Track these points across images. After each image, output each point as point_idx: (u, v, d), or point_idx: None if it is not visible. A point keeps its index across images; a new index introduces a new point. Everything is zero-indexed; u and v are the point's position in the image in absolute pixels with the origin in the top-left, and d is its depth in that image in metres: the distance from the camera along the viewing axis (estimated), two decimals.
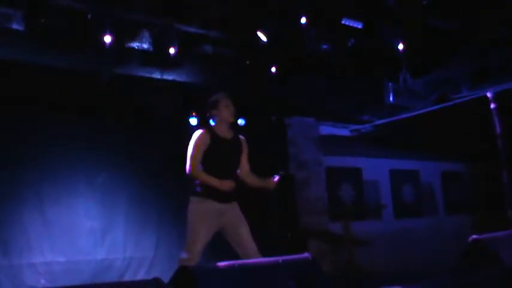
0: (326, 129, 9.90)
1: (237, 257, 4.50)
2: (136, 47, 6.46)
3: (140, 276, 7.29)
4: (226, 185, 4.63)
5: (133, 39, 6.40)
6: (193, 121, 8.09)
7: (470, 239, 4.96)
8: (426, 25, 7.00)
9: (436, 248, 9.84)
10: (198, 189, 4.69)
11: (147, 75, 6.91)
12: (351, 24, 6.73)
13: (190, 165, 4.67)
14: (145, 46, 6.47)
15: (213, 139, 4.74)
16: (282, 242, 7.95)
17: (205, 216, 4.60)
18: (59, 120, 7.07)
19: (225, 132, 4.87)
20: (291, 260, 3.57)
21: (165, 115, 7.69)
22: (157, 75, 6.91)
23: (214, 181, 4.61)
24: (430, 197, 11.52)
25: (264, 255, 4.36)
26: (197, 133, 4.78)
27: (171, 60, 6.71)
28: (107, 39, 6.08)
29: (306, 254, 3.67)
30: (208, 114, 4.90)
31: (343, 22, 6.66)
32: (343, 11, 6.63)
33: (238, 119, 5.08)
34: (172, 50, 6.57)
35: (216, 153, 4.73)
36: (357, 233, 8.39)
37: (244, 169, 4.98)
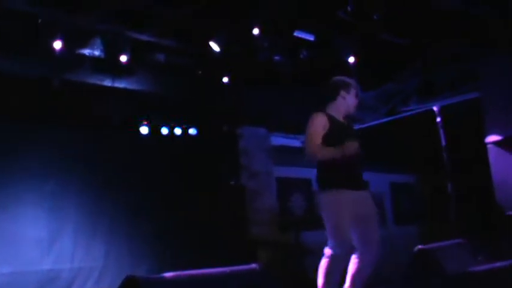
0: (277, 140, 9.95)
1: (185, 267, 4.46)
2: (87, 54, 6.38)
3: (88, 287, 7.16)
4: (351, 148, 4.20)
5: (84, 46, 6.33)
6: (144, 130, 8.04)
7: (415, 249, 5.11)
8: (377, 39, 7.14)
9: (385, 257, 9.98)
10: (328, 181, 4.33)
11: (98, 82, 6.84)
12: (303, 37, 6.82)
13: (311, 147, 4.31)
14: (96, 53, 6.40)
15: (331, 122, 4.42)
16: (232, 251, 7.94)
17: (343, 207, 4.26)
18: (7, 126, 6.90)
19: (341, 119, 4.59)
20: (239, 271, 3.57)
21: (115, 123, 7.62)
22: (108, 83, 6.85)
23: (335, 151, 4.21)
24: (379, 207, 11.69)
25: (213, 265, 4.35)
26: (315, 116, 4.47)
27: (122, 68, 6.67)
28: (57, 45, 5.98)
29: (253, 265, 3.68)
30: (332, 92, 4.66)
31: (295, 34, 6.74)
32: (295, 23, 6.70)
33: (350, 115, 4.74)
34: (123, 58, 6.52)
35: (336, 139, 4.31)
36: (308, 242, 8.44)
37: None
